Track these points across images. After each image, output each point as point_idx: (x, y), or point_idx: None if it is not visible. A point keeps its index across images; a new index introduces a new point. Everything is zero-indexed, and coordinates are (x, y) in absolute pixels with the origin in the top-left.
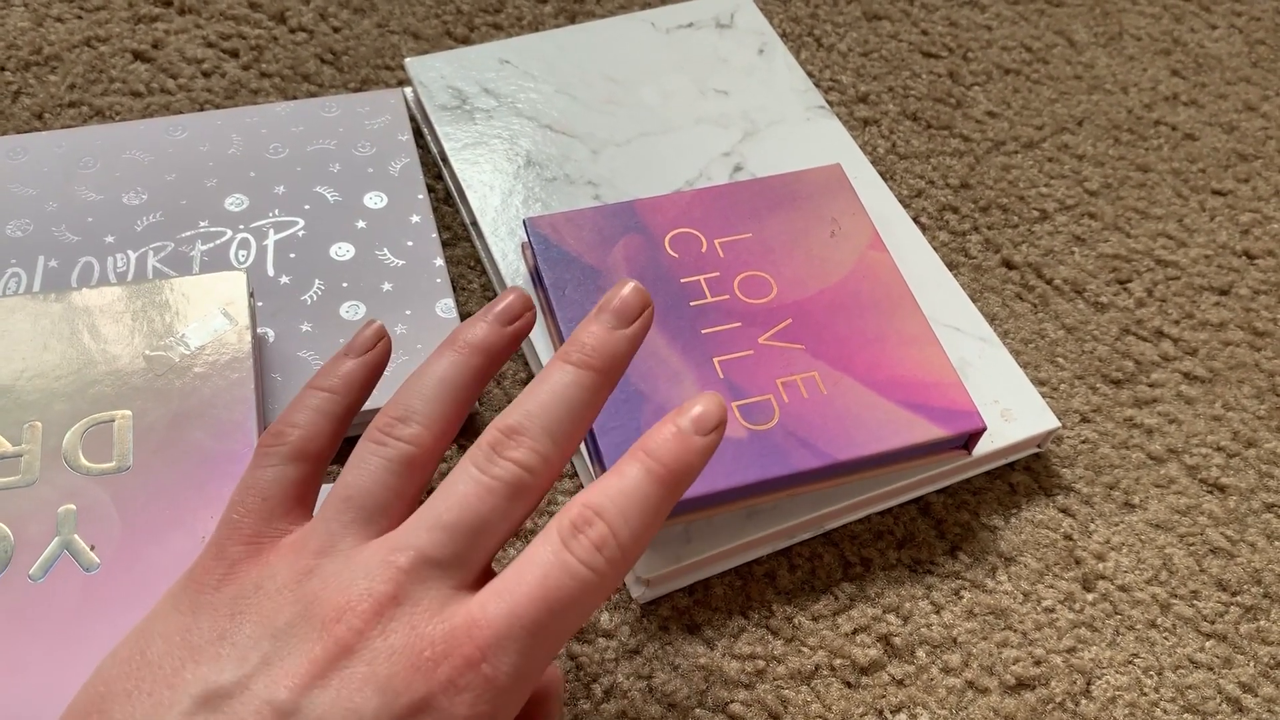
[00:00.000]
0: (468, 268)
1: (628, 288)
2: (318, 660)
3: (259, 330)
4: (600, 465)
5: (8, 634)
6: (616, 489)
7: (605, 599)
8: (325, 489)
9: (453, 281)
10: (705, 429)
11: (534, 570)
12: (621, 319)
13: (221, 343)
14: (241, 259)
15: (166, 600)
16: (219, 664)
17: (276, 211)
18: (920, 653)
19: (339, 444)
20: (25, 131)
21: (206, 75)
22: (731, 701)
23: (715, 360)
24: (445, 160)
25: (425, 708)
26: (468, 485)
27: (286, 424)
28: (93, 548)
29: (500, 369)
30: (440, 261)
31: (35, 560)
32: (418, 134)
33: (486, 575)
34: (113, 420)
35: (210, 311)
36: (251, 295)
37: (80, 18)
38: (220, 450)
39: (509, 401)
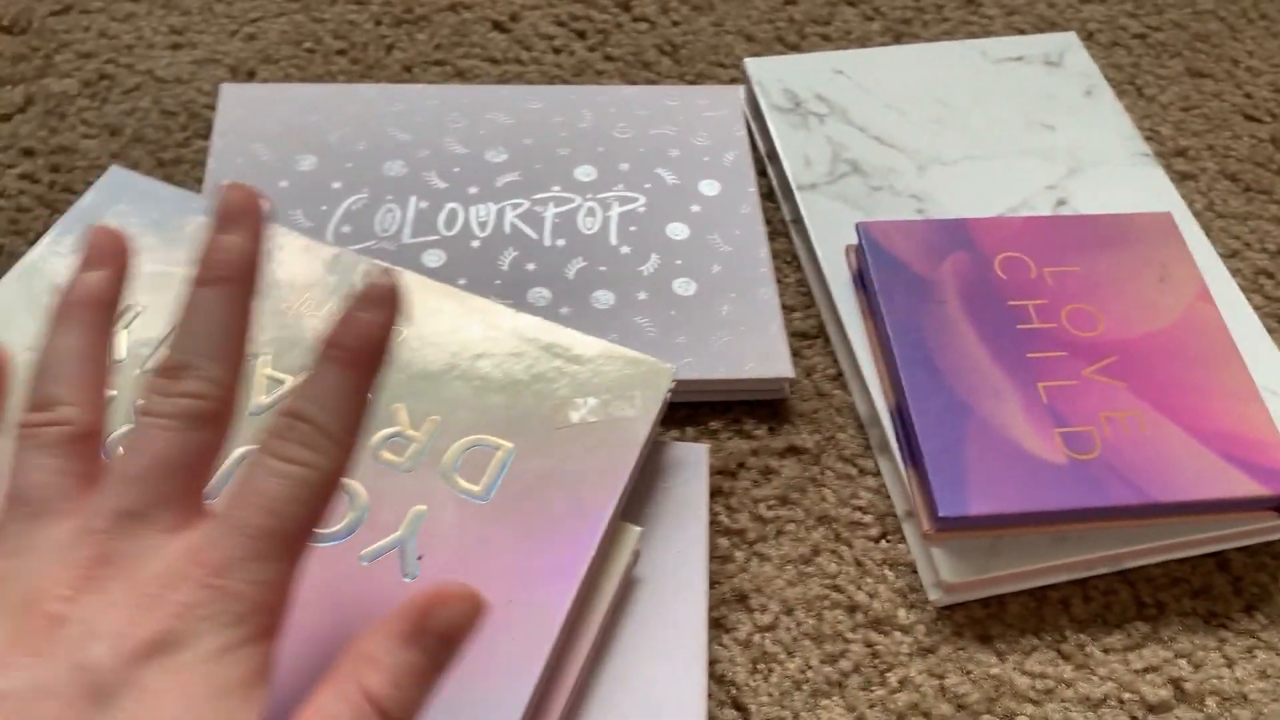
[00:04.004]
0: (784, 262)
1: (226, 187)
2: (19, 639)
3: (598, 293)
4: (919, 469)
5: (319, 598)
6: (312, 388)
7: (333, 490)
8: None
9: None
10: (377, 302)
11: (249, 487)
12: (231, 220)
13: (621, 426)
14: (589, 226)
15: None
16: None
17: (621, 187)
18: (1210, 702)
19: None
20: (396, 83)
21: (556, 52)
22: (1019, 714)
23: (1039, 385)
24: (773, 158)
25: (166, 642)
26: (146, 432)
27: (52, 391)
28: (420, 558)
29: (119, 310)
30: (765, 252)
31: (372, 544)
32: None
33: (206, 512)
34: (497, 449)
35: (627, 392)
36: (670, 392)
37: None
38: (565, 528)
39: None
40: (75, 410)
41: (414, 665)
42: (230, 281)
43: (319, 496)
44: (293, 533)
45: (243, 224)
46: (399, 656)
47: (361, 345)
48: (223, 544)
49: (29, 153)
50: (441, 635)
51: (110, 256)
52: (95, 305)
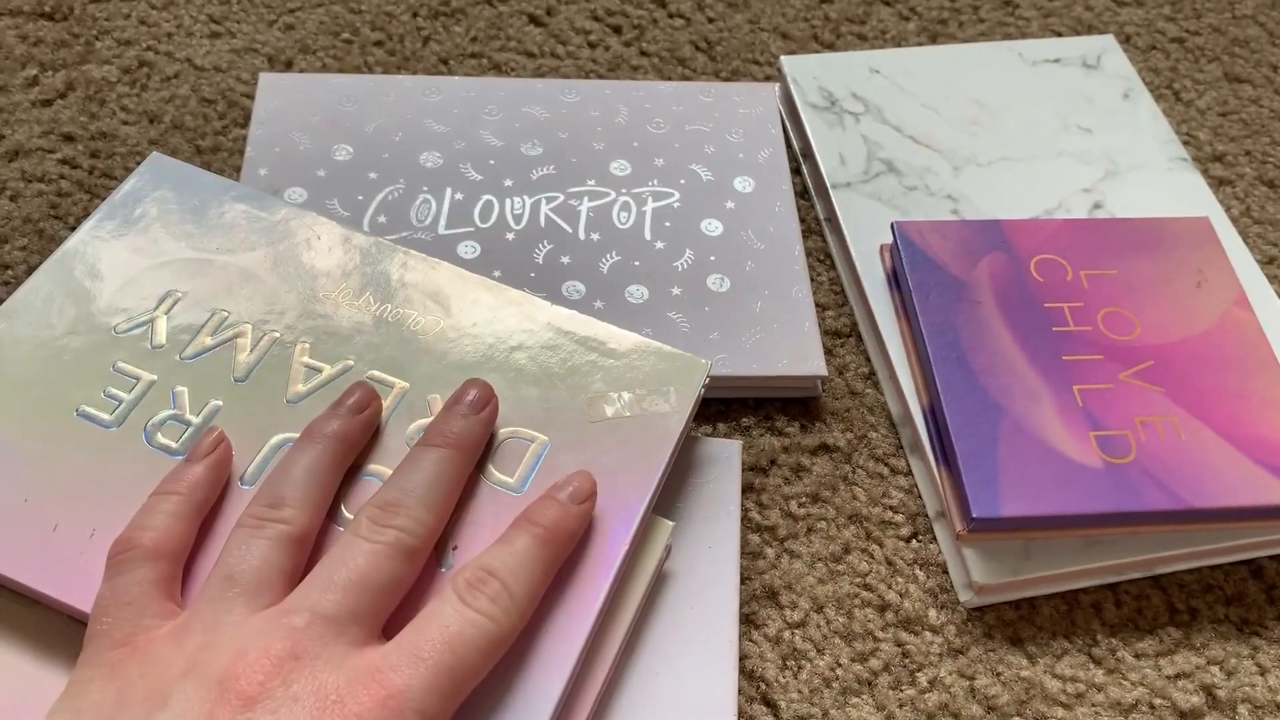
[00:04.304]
0: (817, 260)
1: (476, 386)
2: (213, 713)
3: (631, 288)
4: (951, 469)
5: None
6: (507, 553)
7: (503, 649)
8: None
9: None
10: (579, 499)
11: (435, 622)
12: (474, 409)
13: (655, 421)
14: (623, 220)
15: None
16: None
17: (655, 182)
18: (1243, 710)
19: (192, 542)
20: (432, 74)
21: (592, 46)
22: (1049, 717)
23: (1075, 388)
24: (808, 156)
25: None
26: (355, 550)
27: (137, 529)
28: (455, 549)
29: (356, 455)
30: (799, 249)
31: None
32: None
33: (384, 638)
34: (532, 441)
35: (661, 387)
36: (704, 387)
37: None
38: (599, 521)
39: None
40: (298, 514)
41: None
42: (457, 449)
43: (493, 648)
44: (462, 675)
45: (479, 413)
46: None
47: (558, 529)
48: (402, 669)
49: (69, 138)
50: None
51: (368, 412)
52: (342, 441)
